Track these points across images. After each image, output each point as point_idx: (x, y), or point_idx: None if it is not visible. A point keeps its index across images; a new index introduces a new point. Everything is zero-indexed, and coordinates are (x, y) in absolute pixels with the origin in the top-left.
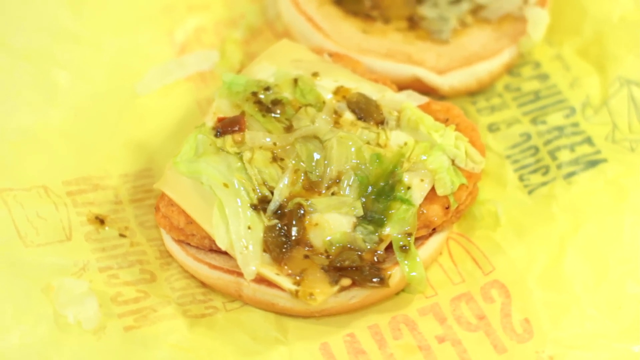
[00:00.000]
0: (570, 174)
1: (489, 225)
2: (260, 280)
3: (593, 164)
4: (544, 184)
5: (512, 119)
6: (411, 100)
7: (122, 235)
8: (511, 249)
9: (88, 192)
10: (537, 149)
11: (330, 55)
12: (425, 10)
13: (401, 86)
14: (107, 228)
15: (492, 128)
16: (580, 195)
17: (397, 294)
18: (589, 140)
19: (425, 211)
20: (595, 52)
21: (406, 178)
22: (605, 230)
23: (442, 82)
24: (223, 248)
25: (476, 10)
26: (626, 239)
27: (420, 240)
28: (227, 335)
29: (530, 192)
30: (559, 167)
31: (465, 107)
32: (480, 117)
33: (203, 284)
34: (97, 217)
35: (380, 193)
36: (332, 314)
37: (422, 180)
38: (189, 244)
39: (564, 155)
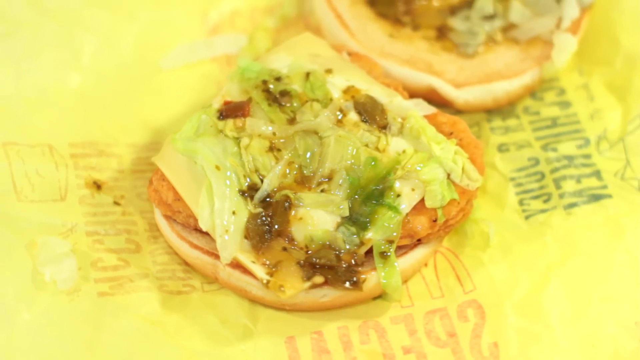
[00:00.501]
0: (571, 205)
1: (478, 244)
2: (236, 265)
3: (596, 198)
4: (543, 211)
5: (523, 141)
6: (418, 109)
7: (116, 203)
8: (496, 272)
9: (92, 157)
10: (543, 175)
11: (349, 54)
12: (456, 22)
13: (416, 94)
14: (102, 194)
15: (502, 148)
16: (577, 228)
17: (374, 299)
18: (597, 174)
19: (411, 221)
20: (622, 86)
21: (397, 185)
22: (594, 266)
23: (457, 95)
24: (204, 229)
25: (507, 29)
26: (614, 277)
27: (403, 249)
28: (198, 316)
29: (527, 218)
30: (561, 196)
31: (480, 124)
32: (493, 135)
33: (185, 262)
34: (95, 182)
35: (369, 196)
36: (303, 310)
37: (413, 189)
38: (175, 221)
39: (569, 186)
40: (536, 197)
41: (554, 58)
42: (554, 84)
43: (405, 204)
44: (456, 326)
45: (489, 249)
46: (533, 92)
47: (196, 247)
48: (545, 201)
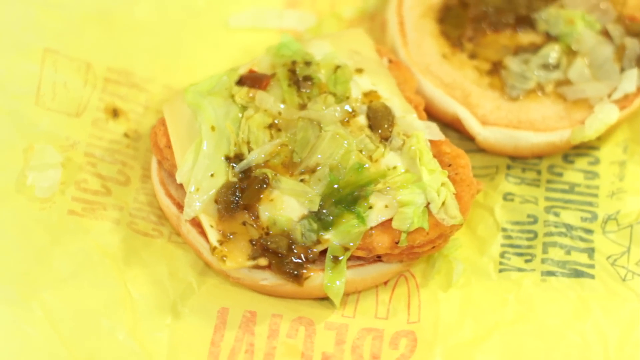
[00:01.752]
0: (550, 273)
1: (442, 281)
2: (196, 224)
3: (578, 274)
4: (519, 269)
5: (531, 197)
6: (427, 132)
7: (126, 135)
8: (446, 312)
9: (123, 86)
10: (535, 235)
11: (390, 61)
12: (512, 62)
13: (441, 120)
14: (117, 123)
15: (507, 197)
16: (543, 296)
17: (322, 300)
18: (590, 252)
19: (373, 235)
20: None
21: (373, 198)
22: (541, 337)
23: (480, 132)
24: (179, 181)
25: (560, 83)
26: (556, 355)
27: (362, 260)
28: (151, 261)
29: (500, 271)
30: (543, 261)
31: (499, 167)
32: (505, 182)
33: (161, 209)
34: (114, 109)
35: (342, 200)
36: (245, 286)
37: (386, 206)
38: (163, 166)
39: (556, 254)
40: (519, 255)
41: (586, 124)
42: (591, 152)
43: (374, 218)
44: (383, 351)
45: (450, 289)
46: (567, 153)
47: (170, 196)
48: (527, 261)
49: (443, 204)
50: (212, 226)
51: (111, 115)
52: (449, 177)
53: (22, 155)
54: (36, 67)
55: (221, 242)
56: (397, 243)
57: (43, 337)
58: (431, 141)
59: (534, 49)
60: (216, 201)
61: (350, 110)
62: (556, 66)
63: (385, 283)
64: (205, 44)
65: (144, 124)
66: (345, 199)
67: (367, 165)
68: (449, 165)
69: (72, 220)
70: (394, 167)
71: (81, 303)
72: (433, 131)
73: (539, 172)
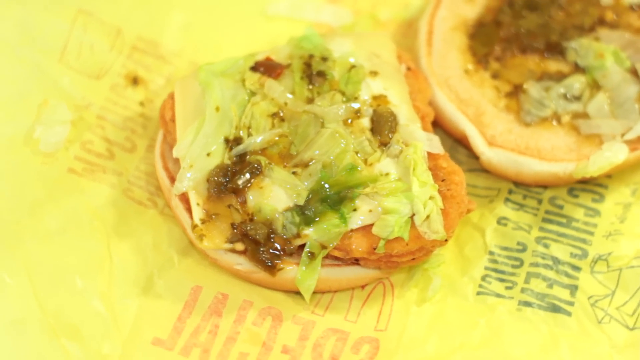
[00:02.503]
0: (527, 304)
1: (418, 294)
2: (184, 200)
3: (555, 309)
4: (497, 295)
5: (526, 225)
6: (427, 144)
7: (141, 104)
8: (413, 325)
9: (149, 56)
10: (521, 263)
11: (408, 68)
12: (533, 87)
13: (452, 135)
14: (135, 91)
15: (501, 222)
16: (514, 325)
17: (297, 293)
18: (573, 289)
19: (352, 238)
20: None
21: (358, 200)
22: None
23: (484, 152)
24: (175, 155)
25: (577, 115)
26: None
27: (339, 261)
28: (138, 230)
29: (478, 294)
30: (523, 290)
31: (501, 191)
32: (502, 206)
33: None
34: (135, 78)
35: (329, 198)
36: (222, 268)
37: (370, 211)
38: (166, 140)
39: (537, 285)
40: (501, 280)
41: (590, 160)
42: (598, 189)
43: (356, 220)
44: (344, 353)
45: (425, 303)
46: (572, 187)
47: (166, 169)
48: (507, 288)
49: (428, 217)
50: (198, 204)
51: (131, 83)
52: (440, 192)
53: (35, 108)
54: (66, 26)
55: (203, 221)
56: (374, 249)
57: (18, 286)
58: (430, 154)
59: (559, 77)
60: (208, 181)
61: (355, 111)
62: (578, 98)
63: (363, 287)
64: (239, 27)
65: (162, 96)
66: (331, 197)
67: (360, 168)
68: (443, 180)
69: (70, 178)
70: (387, 174)
71: (61, 259)
72: (433, 144)
73: (539, 202)
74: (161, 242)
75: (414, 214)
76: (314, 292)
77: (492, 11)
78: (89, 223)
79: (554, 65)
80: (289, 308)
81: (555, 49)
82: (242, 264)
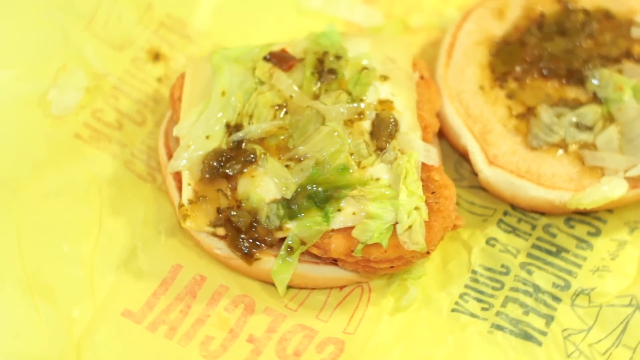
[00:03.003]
0: (499, 327)
1: (392, 302)
2: (177, 179)
3: (527, 337)
4: (472, 315)
5: (513, 249)
6: (424, 155)
7: (158, 80)
8: (381, 333)
9: (175, 35)
10: (502, 286)
11: (421, 77)
12: (545, 112)
13: (454, 147)
14: (154, 66)
15: (490, 242)
16: (482, 348)
17: (274, 285)
18: (549, 319)
19: (332, 237)
20: None
21: (344, 202)
22: None
23: (482, 169)
24: (175, 133)
25: (585, 145)
26: None
27: (318, 259)
28: (132, 203)
29: (452, 310)
30: (498, 314)
31: (497, 211)
32: (494, 227)
33: None
34: (156, 54)
35: (316, 195)
36: (203, 249)
37: (354, 213)
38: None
39: (513, 310)
40: (478, 300)
41: (586, 192)
42: (596, 223)
43: (338, 221)
44: (307, 351)
45: (398, 313)
46: (570, 217)
47: (167, 146)
48: (483, 309)
49: (410, 227)
50: (189, 184)
51: (152, 58)
52: (428, 204)
53: (54, 72)
54: None
55: (191, 202)
56: (352, 251)
57: (5, 241)
58: (424, 165)
59: (576, 105)
60: (203, 163)
61: (358, 112)
62: (589, 128)
63: (341, 288)
64: (269, 17)
65: (179, 74)
66: (318, 195)
67: (351, 170)
68: (433, 193)
69: (75, 143)
70: (377, 179)
71: (52, 221)
72: (429, 155)
73: (533, 227)
74: (151, 218)
75: (397, 222)
76: (292, 287)
77: (519, 30)
78: (85, 189)
79: (572, 93)
80: (263, 299)
81: (576, 77)
82: (222, 248)
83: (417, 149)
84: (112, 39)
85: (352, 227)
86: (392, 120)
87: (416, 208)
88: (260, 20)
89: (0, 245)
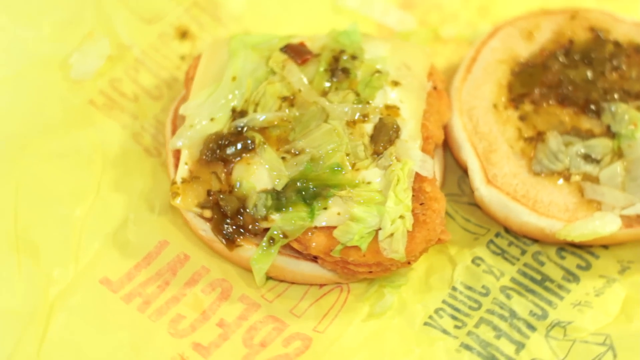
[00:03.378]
0: (467, 347)
1: (368, 307)
2: (176, 157)
3: (492, 358)
4: (443, 331)
5: (498, 271)
6: (418, 165)
7: (182, 58)
8: (350, 336)
9: (206, 15)
10: (479, 306)
11: (434, 88)
12: (553, 139)
13: (457, 162)
14: (180, 44)
15: (475, 261)
16: None
17: None
18: (520, 346)
19: (313, 234)
20: (634, 305)
21: (332, 201)
22: None
23: (478, 187)
24: (181, 112)
25: (587, 177)
26: None
27: (299, 254)
28: (134, 174)
29: (425, 324)
30: (469, 334)
31: (490, 231)
32: (483, 247)
33: None
34: (184, 32)
35: (305, 190)
36: (191, 230)
37: (339, 213)
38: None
39: (486, 333)
40: (453, 317)
41: (576, 224)
42: (588, 257)
43: (322, 219)
44: (273, 343)
45: (371, 319)
46: (563, 247)
47: (173, 123)
48: (456, 327)
49: (392, 235)
50: (186, 164)
51: (179, 36)
52: (415, 215)
53: (82, 38)
54: None
55: (184, 181)
56: (331, 251)
57: (3, 197)
58: (418, 176)
59: (587, 136)
60: (203, 144)
61: (363, 114)
62: (596, 161)
63: (321, 286)
64: (304, 9)
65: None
66: (307, 190)
67: (344, 171)
68: (421, 204)
69: (88, 109)
70: (369, 183)
71: (51, 182)
72: (425, 166)
73: (523, 253)
74: (149, 191)
75: (380, 228)
76: (272, 279)
77: (545, 54)
78: (89, 155)
79: (586, 123)
80: (241, 286)
81: (593, 108)
82: (206, 230)
83: (413, 158)
84: (143, 12)
85: (334, 227)
86: (394, 126)
87: (401, 217)
88: (294, 12)
89: None
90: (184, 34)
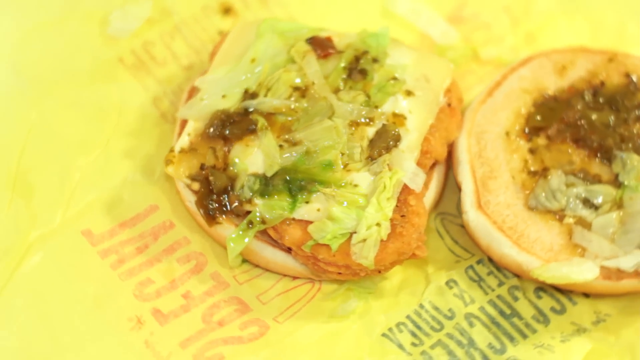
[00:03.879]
0: None
1: (332, 308)
2: (182, 126)
3: None
4: (399, 346)
5: (469, 298)
6: (409, 177)
7: (220, 33)
8: (305, 334)
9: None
10: (441, 328)
11: (449, 105)
12: (555, 177)
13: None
14: (222, 20)
15: (449, 283)
16: None
17: None
18: None
19: (289, 225)
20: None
21: (315, 196)
22: None
23: (467, 210)
24: (195, 84)
25: (580, 221)
26: None
27: (275, 243)
28: (145, 135)
29: (382, 335)
30: (423, 353)
31: (473, 256)
32: (462, 270)
33: None
34: (227, 8)
35: (292, 182)
36: (179, 200)
37: (319, 210)
38: None
39: (440, 356)
40: (413, 334)
41: (551, 265)
42: (564, 302)
43: (302, 212)
44: (231, 324)
45: (332, 320)
46: (542, 287)
47: (190, 94)
48: (413, 344)
49: (364, 240)
50: (189, 135)
51: (222, 11)
52: (393, 225)
53: None
54: None
55: (182, 151)
56: (301, 244)
57: (15, 136)
58: (406, 188)
59: (594, 181)
60: (209, 119)
61: (368, 117)
62: (595, 207)
63: (294, 279)
64: (352, 7)
65: None
66: (295, 182)
67: (335, 170)
68: (402, 216)
69: (116, 66)
70: (356, 185)
71: (63, 129)
72: (415, 180)
73: (500, 284)
74: (155, 155)
75: (355, 232)
76: (248, 262)
77: (572, 91)
78: (105, 112)
79: (596, 168)
80: (216, 263)
81: (606, 153)
82: (192, 202)
83: (405, 169)
84: None
85: (310, 222)
86: (395, 134)
87: (378, 224)
88: (341, 8)
89: (10, 138)
90: (227, 10)
